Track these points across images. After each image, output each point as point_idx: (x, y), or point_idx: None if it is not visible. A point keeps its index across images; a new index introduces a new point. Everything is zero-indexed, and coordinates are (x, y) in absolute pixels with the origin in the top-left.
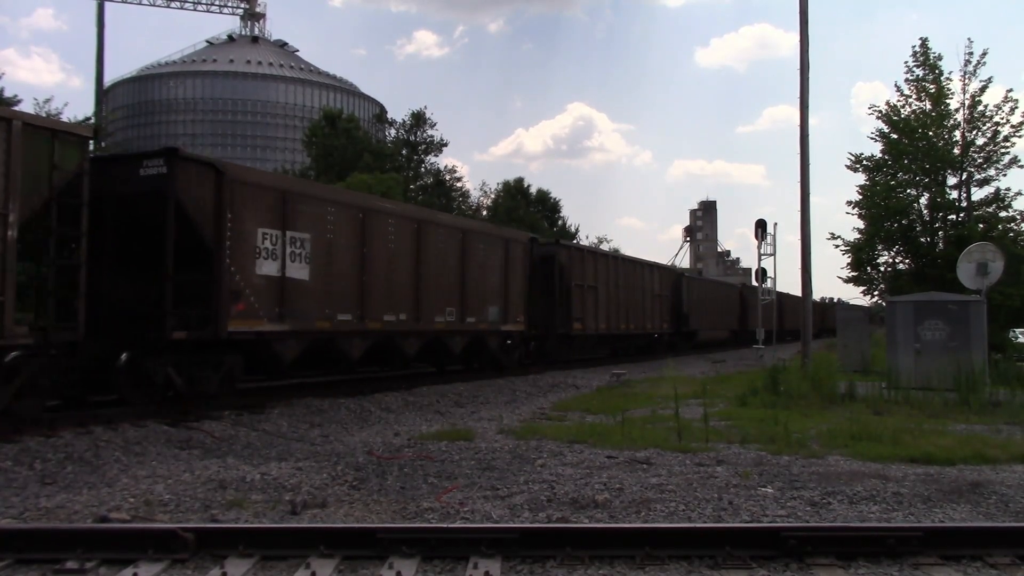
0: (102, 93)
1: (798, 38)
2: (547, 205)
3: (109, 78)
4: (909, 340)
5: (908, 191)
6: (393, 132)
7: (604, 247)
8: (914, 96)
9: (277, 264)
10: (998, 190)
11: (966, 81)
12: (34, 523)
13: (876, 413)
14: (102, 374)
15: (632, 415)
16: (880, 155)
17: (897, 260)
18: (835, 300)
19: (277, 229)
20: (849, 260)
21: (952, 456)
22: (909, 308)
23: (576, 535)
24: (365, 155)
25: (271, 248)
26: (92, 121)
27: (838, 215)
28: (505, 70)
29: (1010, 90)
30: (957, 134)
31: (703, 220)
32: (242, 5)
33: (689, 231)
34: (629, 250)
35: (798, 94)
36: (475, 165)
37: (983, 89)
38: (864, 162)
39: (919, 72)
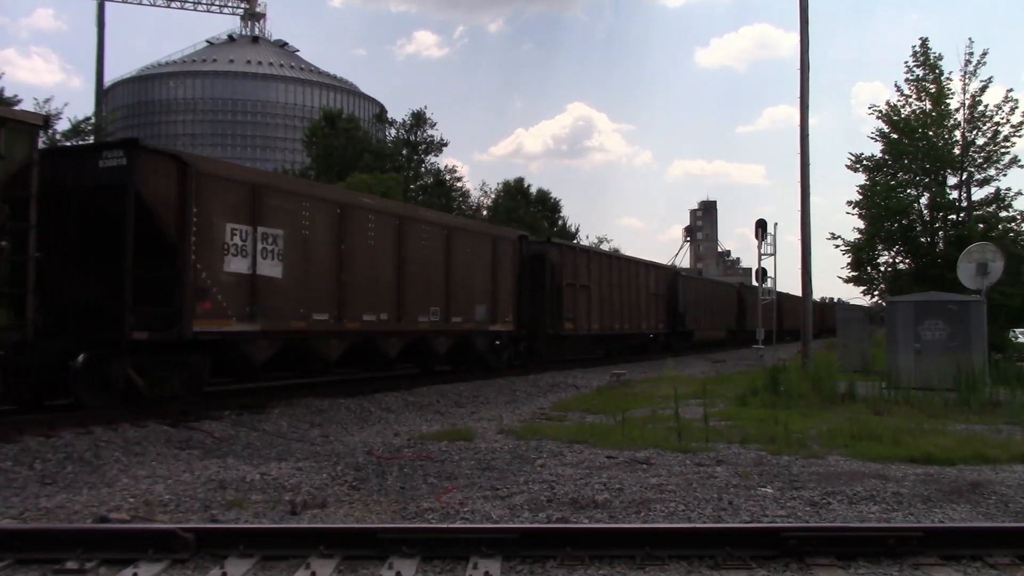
0: (102, 93)
1: (798, 38)
2: (547, 205)
3: (109, 78)
4: (909, 340)
5: (908, 191)
6: (393, 132)
7: (604, 247)
8: (914, 96)
9: (247, 261)
10: (998, 190)
11: (966, 81)
12: (34, 523)
13: (876, 413)
14: (60, 376)
15: (632, 415)
16: (880, 155)
17: (897, 260)
18: (835, 300)
19: (247, 224)
20: (849, 260)
21: (952, 456)
22: (909, 308)
23: (576, 535)
24: (365, 155)
25: (241, 244)
26: (92, 121)
27: (838, 215)
28: (505, 70)
29: (1010, 90)
30: (957, 134)
31: (703, 220)
32: (242, 5)
33: (689, 231)
34: (629, 250)
35: (798, 94)
36: (475, 165)
37: (983, 89)
38: (864, 162)
39: (919, 72)
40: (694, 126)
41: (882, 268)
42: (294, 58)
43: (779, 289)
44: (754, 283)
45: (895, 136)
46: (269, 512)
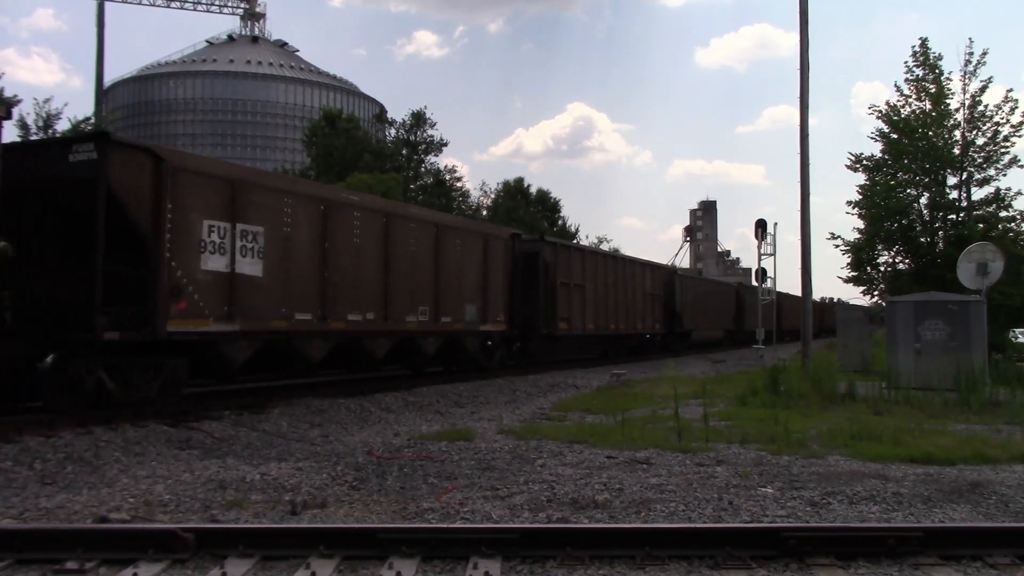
0: (102, 93)
1: (798, 38)
2: (547, 205)
3: (109, 78)
4: (909, 340)
5: (908, 191)
6: (393, 132)
7: (604, 247)
8: (914, 96)
9: (225, 259)
10: (998, 190)
11: (966, 81)
12: (34, 523)
13: (876, 413)
14: (28, 378)
15: (632, 415)
16: (880, 155)
17: (897, 260)
18: (835, 300)
19: (226, 221)
20: (849, 260)
21: (952, 456)
22: (909, 308)
23: (576, 535)
24: (365, 155)
25: (219, 242)
26: (92, 121)
27: (838, 215)
28: (505, 70)
29: (1010, 90)
30: (957, 134)
31: (703, 220)
32: (242, 5)
33: (689, 231)
34: (629, 250)
35: (798, 94)
36: (475, 165)
37: (983, 89)
38: (864, 162)
39: (919, 72)
40: (694, 126)
41: (882, 268)
42: (294, 58)
43: (779, 289)
44: (754, 283)
45: (895, 136)
46: (269, 512)
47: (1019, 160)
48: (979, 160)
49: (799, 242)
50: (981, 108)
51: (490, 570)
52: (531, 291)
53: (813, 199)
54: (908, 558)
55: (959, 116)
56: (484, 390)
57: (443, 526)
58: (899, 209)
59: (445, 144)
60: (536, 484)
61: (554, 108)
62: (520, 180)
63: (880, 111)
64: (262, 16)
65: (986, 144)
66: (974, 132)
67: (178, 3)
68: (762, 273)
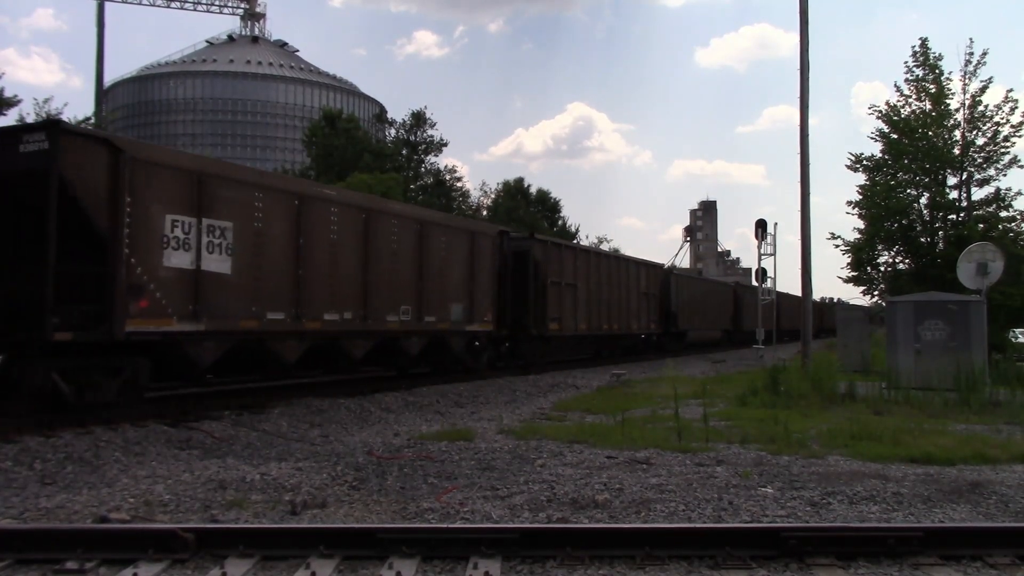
0: (102, 93)
1: (798, 38)
2: (547, 205)
3: (109, 78)
4: (909, 340)
5: (908, 191)
6: (393, 132)
7: (604, 247)
8: (914, 96)
9: (190, 255)
10: (998, 190)
11: (966, 81)
12: (34, 523)
13: (876, 413)
14: None
15: (632, 415)
16: (880, 155)
17: (897, 260)
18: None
19: (191, 216)
20: (849, 260)
21: (952, 456)
22: (909, 308)
23: (576, 535)
24: (365, 155)
25: (183, 237)
26: (92, 121)
27: (838, 215)
28: (505, 70)
29: (1010, 90)
30: (957, 134)
31: (703, 220)
32: (242, 5)
33: (689, 231)
34: (629, 250)
35: (798, 94)
36: (475, 165)
37: (983, 89)
38: (864, 162)
39: (919, 72)
40: (694, 126)
41: (882, 268)
42: (294, 58)
43: (779, 289)
44: (754, 283)
45: (895, 136)
46: (269, 512)
47: (1019, 160)
48: (979, 160)
49: (799, 242)
50: (981, 108)
51: (490, 570)
52: (521, 290)
53: (813, 199)
54: (908, 558)
55: (959, 116)
56: (484, 390)
57: (443, 526)
58: (899, 209)
59: (445, 144)
60: (536, 484)
61: (554, 108)
62: (520, 180)
63: (880, 111)
64: (262, 16)
65: (986, 144)
66: (974, 132)
67: (178, 3)
68: (762, 273)
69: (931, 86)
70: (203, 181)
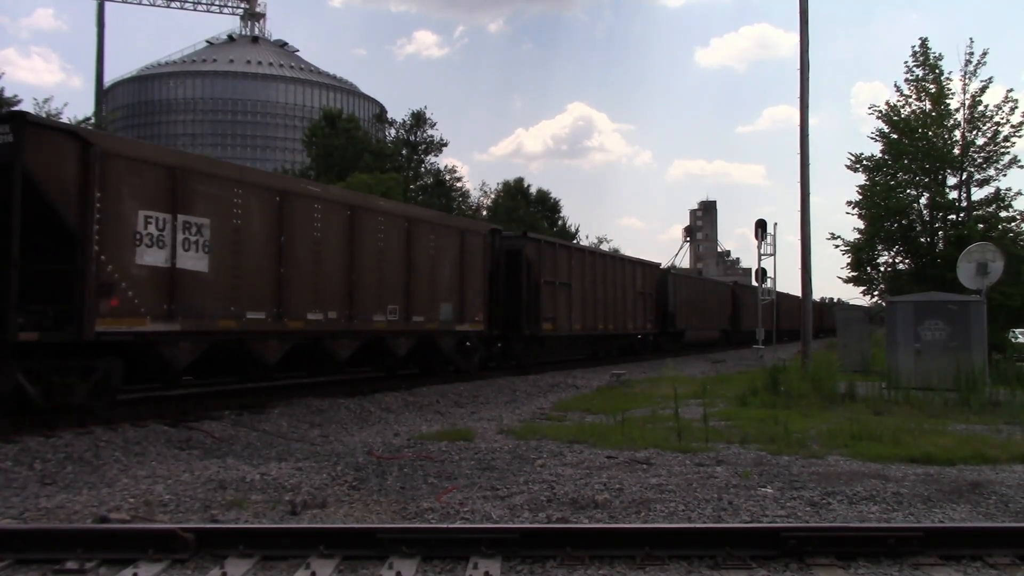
0: (102, 93)
1: (798, 38)
2: (547, 205)
3: (109, 78)
4: (909, 340)
5: (908, 191)
6: (393, 132)
7: (604, 247)
8: (914, 96)
9: (165, 253)
10: (998, 190)
11: (966, 81)
12: (34, 523)
13: (876, 413)
14: None
15: (632, 415)
16: (880, 155)
17: (897, 260)
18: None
19: (165, 212)
20: (849, 260)
21: (952, 456)
22: (909, 308)
23: (576, 535)
24: (365, 155)
25: (157, 234)
26: (92, 121)
27: (838, 215)
28: (505, 70)
29: (1010, 90)
30: (957, 134)
31: (703, 220)
32: (242, 5)
33: (689, 231)
34: (629, 250)
35: (798, 94)
36: (475, 165)
37: (983, 89)
38: (864, 162)
39: (919, 72)
40: (694, 126)
41: (882, 268)
42: (294, 58)
43: (779, 289)
44: (754, 283)
45: (895, 136)
46: (269, 512)
47: (1019, 160)
48: (979, 160)
49: (799, 242)
50: (981, 108)
51: (490, 570)
52: (513, 290)
53: (813, 199)
54: (908, 558)
55: (959, 116)
56: (484, 390)
57: (443, 526)
58: (899, 209)
59: (445, 144)
60: (536, 484)
61: (554, 108)
62: (520, 180)
63: (880, 111)
64: (262, 16)
65: (986, 144)
66: (974, 132)
67: (178, 3)
68: (762, 273)
69: (931, 86)
70: (179, 176)
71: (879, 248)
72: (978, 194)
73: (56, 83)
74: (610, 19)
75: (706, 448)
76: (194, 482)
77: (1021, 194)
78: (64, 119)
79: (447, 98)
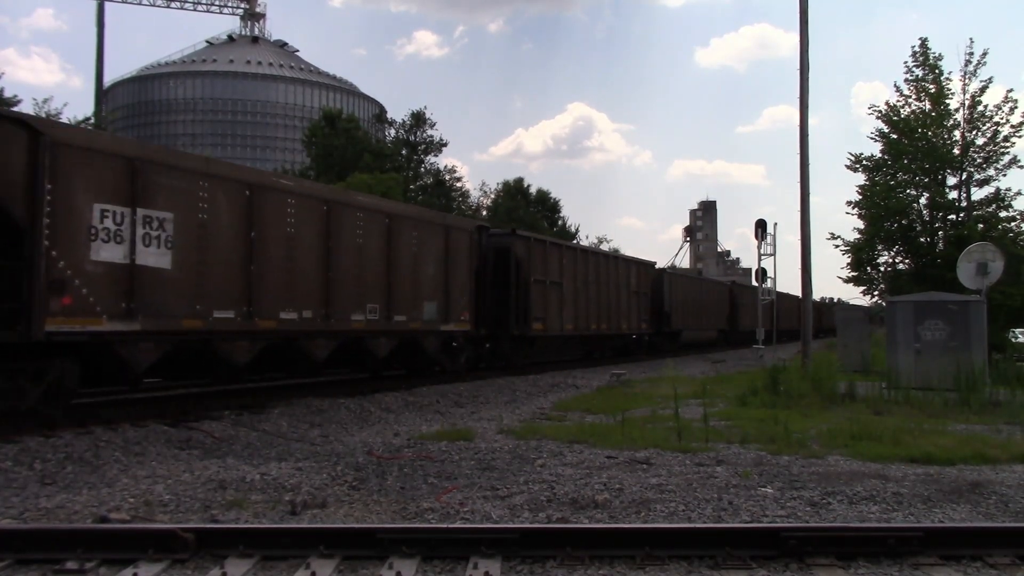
0: (102, 93)
1: (798, 38)
2: (547, 205)
3: (109, 78)
4: (909, 340)
5: (908, 191)
6: (393, 132)
7: (604, 247)
8: (914, 96)
9: (123, 248)
10: (998, 190)
11: (966, 81)
12: (34, 523)
13: (876, 413)
14: None
15: (632, 415)
16: (880, 155)
17: (897, 260)
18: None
19: (123, 206)
20: (849, 260)
21: (952, 456)
22: (909, 308)
23: (576, 535)
24: (365, 155)
25: (114, 229)
26: (92, 121)
27: (838, 215)
28: (505, 70)
29: (1010, 90)
30: (957, 134)
31: (703, 220)
32: (242, 5)
33: (689, 231)
34: (629, 250)
35: (798, 94)
36: (475, 165)
37: (983, 89)
38: (864, 162)
39: (919, 72)
40: (694, 126)
41: (882, 268)
42: (294, 58)
43: (779, 289)
44: (754, 283)
45: (895, 136)
46: (269, 512)
47: (1019, 160)
48: (979, 160)
49: (799, 242)
50: (981, 108)
51: (490, 570)
52: (502, 289)
53: (813, 199)
54: (908, 558)
55: (959, 116)
56: (484, 390)
57: (443, 526)
58: (899, 209)
59: (445, 144)
60: (536, 484)
61: (554, 108)
62: (520, 180)
63: (880, 111)
64: (262, 16)
65: (986, 144)
66: (974, 132)
67: (178, 3)
68: (762, 273)
69: (931, 86)
70: (138, 168)
71: (879, 248)
72: (978, 194)
73: (56, 83)
74: (610, 19)
75: (706, 448)
76: (194, 482)
77: (1021, 194)
78: (64, 119)
79: (447, 98)
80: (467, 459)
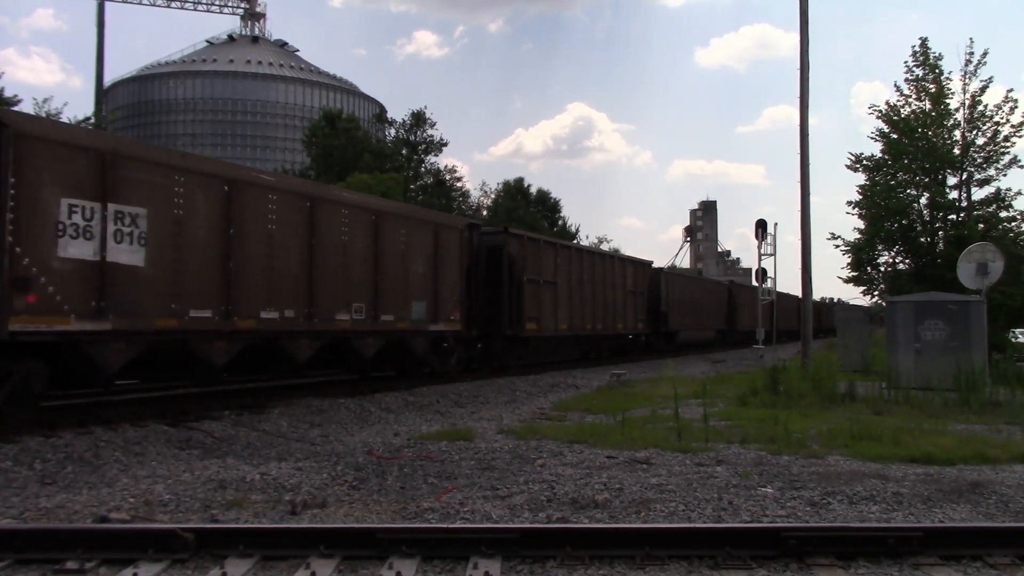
0: (102, 93)
1: (798, 38)
2: (547, 205)
3: (109, 78)
4: (909, 340)
5: (908, 191)
6: (393, 132)
7: (604, 247)
8: (914, 96)
9: (93, 245)
10: (998, 190)
11: (966, 81)
12: (34, 523)
13: (876, 413)
14: None
15: (632, 415)
16: (880, 155)
17: (897, 260)
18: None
19: (93, 200)
20: (849, 260)
21: (952, 456)
22: (909, 308)
23: (576, 535)
24: (365, 155)
25: (83, 224)
26: (92, 121)
27: (838, 215)
28: (505, 70)
29: (1010, 90)
30: (957, 134)
31: (703, 220)
32: (242, 5)
33: (689, 231)
34: (629, 250)
35: (798, 94)
36: (475, 165)
37: (983, 89)
38: (864, 162)
39: (919, 72)
40: (694, 126)
41: (882, 268)
42: (294, 58)
43: (778, 289)
44: (754, 283)
45: (895, 136)
46: (269, 512)
47: (1019, 160)
48: (979, 160)
49: (799, 242)
50: (981, 108)
51: (490, 570)
52: (494, 288)
53: (813, 199)
54: (908, 558)
55: (959, 116)
56: (484, 390)
57: (443, 526)
58: (899, 209)
59: (445, 144)
60: (536, 484)
61: (554, 108)
62: (520, 180)
63: (880, 111)
64: (262, 16)
65: (986, 144)
66: (974, 132)
67: (178, 3)
68: (762, 273)
69: (931, 86)
70: (109, 162)
71: (879, 248)
72: (978, 194)
73: (56, 83)
74: (610, 19)
75: (706, 448)
76: (194, 482)
77: (1021, 194)
78: (64, 119)
79: (447, 98)
80: (467, 459)
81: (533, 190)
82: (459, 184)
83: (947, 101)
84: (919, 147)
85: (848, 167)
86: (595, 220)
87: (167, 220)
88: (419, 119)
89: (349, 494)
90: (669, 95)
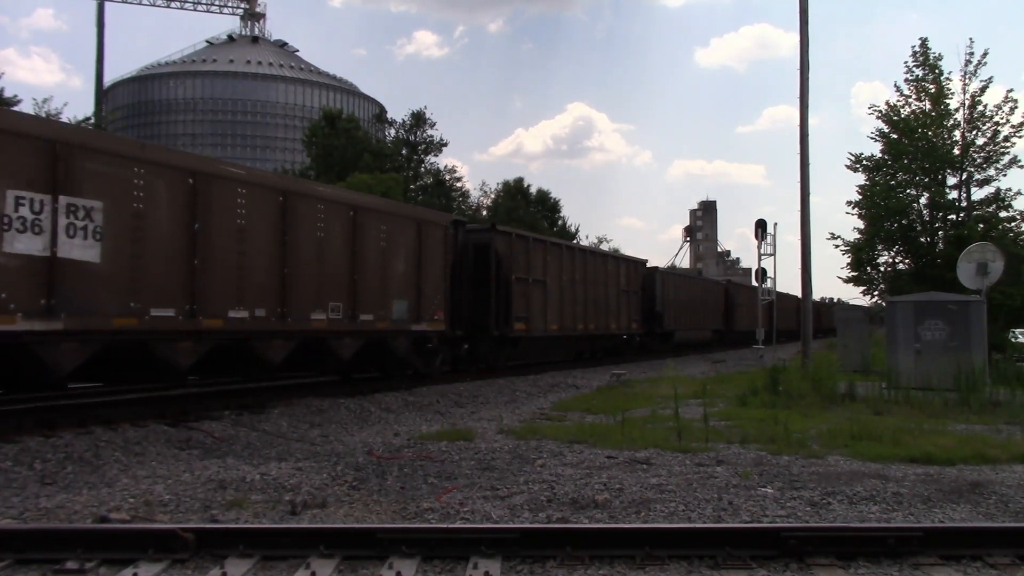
0: (102, 93)
1: (798, 38)
2: (547, 205)
3: (109, 78)
4: (909, 340)
5: (908, 191)
6: (393, 132)
7: (604, 247)
8: (914, 96)
9: (42, 240)
10: (998, 190)
11: (966, 81)
12: (34, 523)
13: (876, 413)
14: None
15: (632, 415)
16: (880, 155)
17: (897, 260)
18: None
19: (43, 193)
20: (849, 260)
21: (952, 456)
22: (909, 308)
23: (576, 535)
24: (365, 155)
25: (32, 218)
26: (92, 121)
27: (838, 215)
28: (505, 70)
29: (1010, 90)
30: (957, 134)
31: (703, 220)
32: (242, 5)
33: (689, 231)
34: (629, 250)
35: (798, 94)
36: (475, 165)
37: (983, 89)
38: (864, 162)
39: (919, 72)
40: (694, 126)
41: (882, 268)
42: (294, 58)
43: (778, 289)
44: (753, 283)
45: (895, 136)
46: (269, 512)
47: (1019, 160)
48: (979, 160)
49: (799, 242)
50: (981, 108)
51: (490, 570)
52: (481, 287)
53: (813, 199)
54: (908, 558)
55: (959, 116)
56: (484, 390)
57: (443, 526)
58: (899, 209)
59: (445, 144)
60: (536, 484)
61: (554, 108)
62: (520, 180)
63: (880, 111)
64: (262, 16)
65: (986, 144)
66: (974, 132)
67: (178, 3)
68: (762, 273)
69: (931, 86)
70: (60, 152)
71: (879, 248)
72: (978, 194)
73: (56, 83)
74: (610, 19)
75: (706, 448)
76: (194, 482)
77: (1021, 194)
78: (64, 119)
79: (447, 98)
80: (467, 459)
81: (533, 190)
82: (459, 184)
83: (947, 101)
84: (919, 147)
85: (848, 167)
86: (595, 220)
87: (125, 214)
88: (419, 119)
89: (349, 494)
90: (669, 95)
